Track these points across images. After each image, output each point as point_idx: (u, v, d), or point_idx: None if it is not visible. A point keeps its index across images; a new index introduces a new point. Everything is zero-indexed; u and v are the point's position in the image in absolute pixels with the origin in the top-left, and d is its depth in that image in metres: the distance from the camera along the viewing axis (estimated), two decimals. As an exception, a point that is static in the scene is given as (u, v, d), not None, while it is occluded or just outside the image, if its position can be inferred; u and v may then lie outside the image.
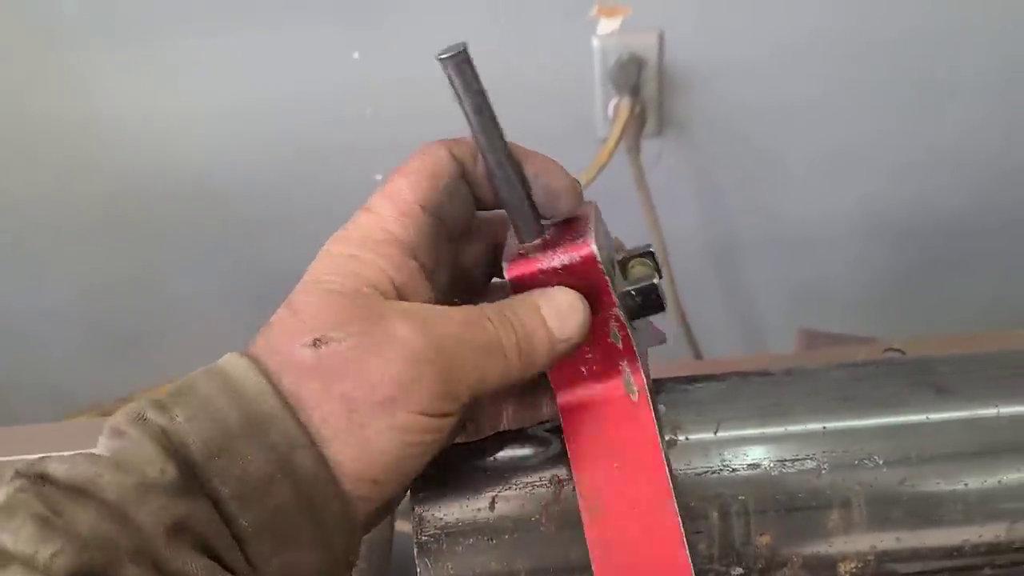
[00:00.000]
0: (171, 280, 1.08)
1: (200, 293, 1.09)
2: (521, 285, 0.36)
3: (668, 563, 0.37)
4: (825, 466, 0.38)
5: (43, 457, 0.31)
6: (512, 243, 0.37)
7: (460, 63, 0.33)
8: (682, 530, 0.36)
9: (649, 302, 0.37)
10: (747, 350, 1.18)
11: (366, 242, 0.35)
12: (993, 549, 0.38)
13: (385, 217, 0.35)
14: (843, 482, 0.38)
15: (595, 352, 0.37)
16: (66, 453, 0.31)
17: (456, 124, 1.09)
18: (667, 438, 0.38)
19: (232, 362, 0.33)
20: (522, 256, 0.36)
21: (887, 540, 0.38)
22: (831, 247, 1.09)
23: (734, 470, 0.38)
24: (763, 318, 1.16)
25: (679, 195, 1.04)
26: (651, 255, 0.39)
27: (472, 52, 1.09)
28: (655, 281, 0.37)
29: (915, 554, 0.38)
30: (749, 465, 0.38)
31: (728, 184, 1.05)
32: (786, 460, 0.38)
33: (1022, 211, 1.06)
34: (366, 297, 0.33)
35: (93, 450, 0.31)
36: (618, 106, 0.93)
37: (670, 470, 0.37)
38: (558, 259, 0.35)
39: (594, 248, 0.35)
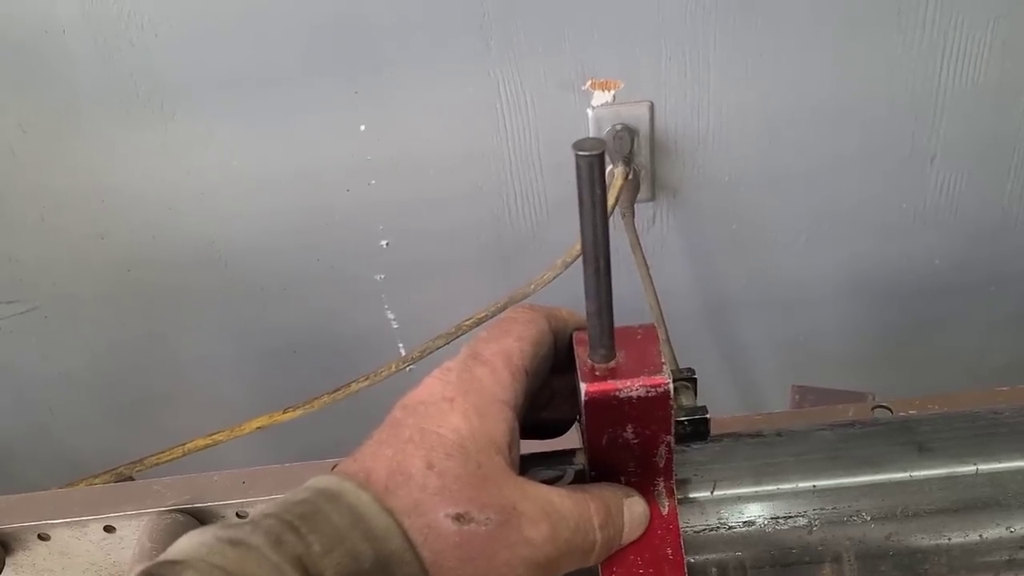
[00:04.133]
0: (182, 345, 1.11)
1: (209, 358, 1.12)
2: (595, 405, 0.38)
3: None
4: (816, 523, 0.40)
5: (167, 562, 0.32)
6: (583, 357, 0.39)
7: (595, 162, 0.34)
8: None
9: (697, 432, 0.40)
10: (742, 406, 1.21)
11: (491, 402, 0.37)
12: (977, 600, 0.41)
13: (502, 379, 0.38)
14: (833, 538, 0.40)
15: (638, 468, 0.40)
16: (184, 549, 0.32)
17: (455, 199, 1.11)
18: (667, 498, 0.41)
19: (354, 494, 0.35)
20: (599, 377, 0.38)
21: (876, 593, 0.40)
22: (820, 306, 1.12)
23: (731, 527, 0.41)
24: (757, 374, 1.19)
25: (672, 257, 1.08)
26: (694, 380, 0.42)
27: (474, 125, 1.13)
28: (708, 416, 0.40)
29: (904, 606, 0.41)
30: (745, 523, 0.41)
31: (719, 246, 1.08)
32: (779, 517, 0.41)
33: (999, 270, 1.09)
34: (498, 471, 0.36)
35: (213, 559, 0.32)
36: (613, 173, 0.96)
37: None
38: (636, 390, 0.37)
39: (671, 386, 0.37)
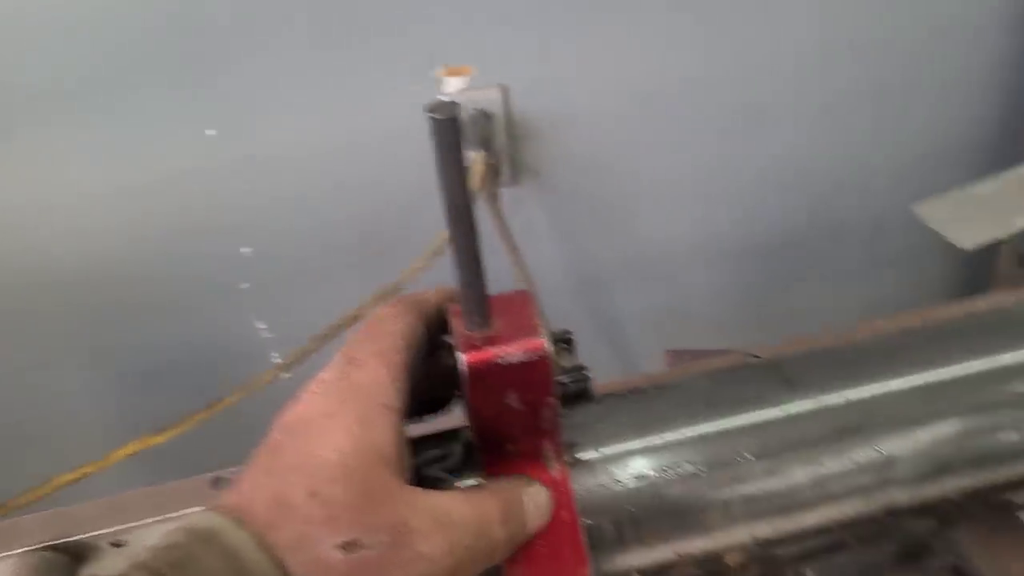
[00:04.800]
0: (40, 377, 1.04)
1: (72, 387, 1.05)
2: (476, 374, 0.37)
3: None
4: (702, 468, 0.41)
5: None
6: (460, 328, 0.38)
7: (449, 124, 0.33)
8: (587, 553, 0.39)
9: (580, 391, 0.41)
10: (622, 374, 1.23)
11: (373, 408, 0.36)
12: (855, 522, 0.43)
13: (382, 381, 0.37)
14: (719, 480, 0.41)
15: (525, 434, 0.40)
16: None
17: (316, 198, 1.08)
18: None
19: (231, 533, 0.33)
20: (477, 346, 0.37)
21: (763, 528, 0.42)
22: (684, 271, 1.16)
23: (621, 483, 0.41)
24: (633, 342, 1.21)
25: (541, 237, 1.09)
26: (571, 341, 0.42)
27: (327, 120, 1.10)
28: (589, 375, 0.40)
29: (790, 537, 0.42)
30: (634, 476, 0.41)
31: (583, 222, 1.10)
32: (666, 467, 0.41)
33: (844, 223, 1.16)
34: (386, 487, 0.35)
35: None
36: (473, 159, 0.96)
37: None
38: (516, 355, 0.37)
39: (549, 348, 0.37)
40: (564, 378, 0.40)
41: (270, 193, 0.98)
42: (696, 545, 0.41)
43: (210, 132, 0.93)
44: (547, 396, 0.39)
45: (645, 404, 0.44)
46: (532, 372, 0.37)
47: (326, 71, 0.92)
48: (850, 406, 0.43)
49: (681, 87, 1.01)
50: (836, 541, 0.43)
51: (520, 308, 0.39)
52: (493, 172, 0.99)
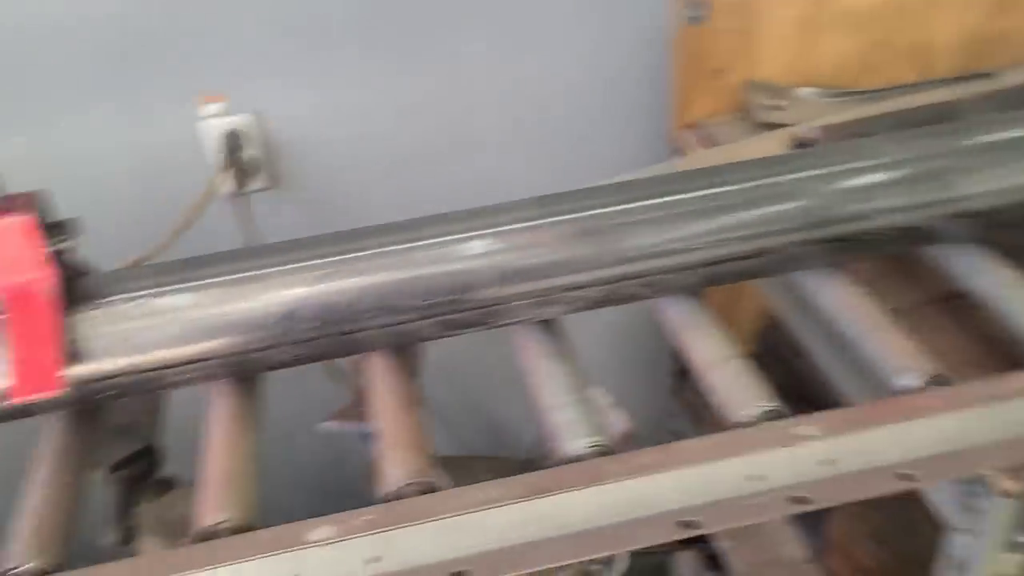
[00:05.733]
0: None
1: None
2: None
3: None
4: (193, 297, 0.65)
5: None
6: None
7: None
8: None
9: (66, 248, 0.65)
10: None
11: None
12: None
13: None
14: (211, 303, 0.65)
15: (29, 267, 0.63)
16: None
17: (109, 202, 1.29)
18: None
19: None
20: None
21: (228, 341, 0.65)
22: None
23: (112, 303, 0.65)
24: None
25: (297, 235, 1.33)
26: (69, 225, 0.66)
27: (100, 138, 1.32)
28: (68, 239, 0.65)
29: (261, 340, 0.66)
30: (126, 299, 0.65)
31: (334, 226, 1.34)
32: (154, 293, 0.65)
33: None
34: None
35: None
36: (223, 167, 1.21)
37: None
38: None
39: (32, 220, 0.63)
40: (55, 240, 0.64)
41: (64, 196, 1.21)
42: (175, 352, 0.65)
43: (18, 139, 1.18)
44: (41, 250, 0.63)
45: (151, 268, 0.68)
46: (14, 235, 0.62)
47: (105, 95, 1.18)
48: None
49: (404, 115, 1.28)
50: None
51: (24, 201, 0.63)
52: (242, 176, 1.23)
